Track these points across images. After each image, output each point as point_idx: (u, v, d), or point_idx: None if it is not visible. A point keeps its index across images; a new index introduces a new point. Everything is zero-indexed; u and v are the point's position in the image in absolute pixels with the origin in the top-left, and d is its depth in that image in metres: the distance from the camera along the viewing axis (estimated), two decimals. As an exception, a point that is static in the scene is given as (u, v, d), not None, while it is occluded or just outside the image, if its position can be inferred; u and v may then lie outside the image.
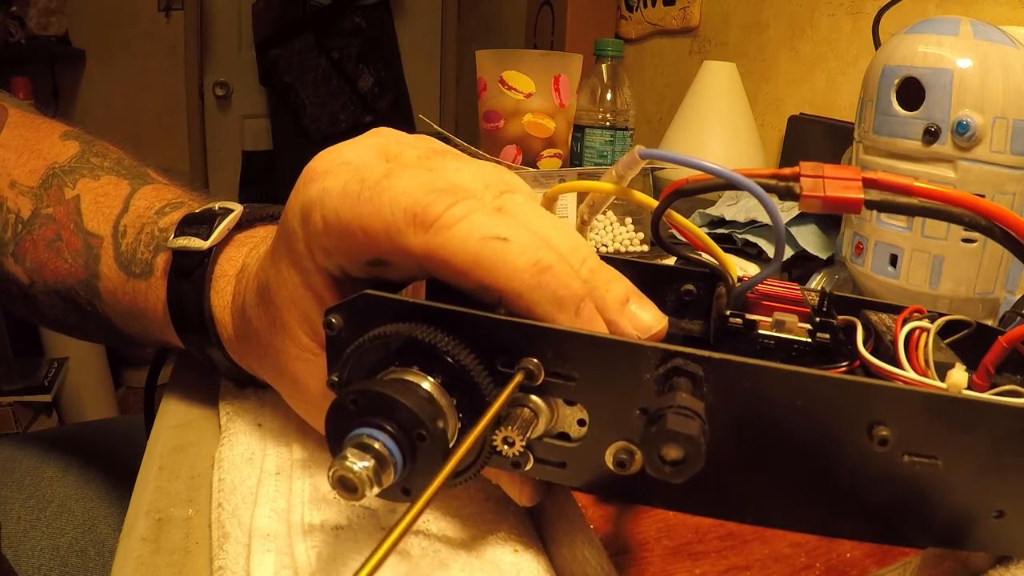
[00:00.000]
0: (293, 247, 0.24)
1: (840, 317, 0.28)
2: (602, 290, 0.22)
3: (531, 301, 0.20)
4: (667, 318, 0.23)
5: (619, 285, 0.22)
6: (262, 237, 0.32)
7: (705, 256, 0.30)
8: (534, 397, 0.20)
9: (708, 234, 0.36)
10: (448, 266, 0.21)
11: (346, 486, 0.17)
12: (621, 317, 0.22)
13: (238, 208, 0.32)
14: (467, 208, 0.21)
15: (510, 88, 0.76)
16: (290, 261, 0.24)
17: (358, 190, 0.22)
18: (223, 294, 0.30)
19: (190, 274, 0.31)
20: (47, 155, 0.36)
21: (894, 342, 0.26)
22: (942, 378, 0.23)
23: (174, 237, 0.31)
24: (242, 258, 0.31)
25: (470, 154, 0.27)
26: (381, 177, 0.22)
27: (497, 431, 0.20)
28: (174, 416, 0.33)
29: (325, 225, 0.22)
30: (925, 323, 0.27)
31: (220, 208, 0.32)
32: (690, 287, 0.31)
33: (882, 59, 0.43)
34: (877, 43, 0.54)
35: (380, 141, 0.25)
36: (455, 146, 0.26)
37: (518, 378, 0.19)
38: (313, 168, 0.24)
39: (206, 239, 0.31)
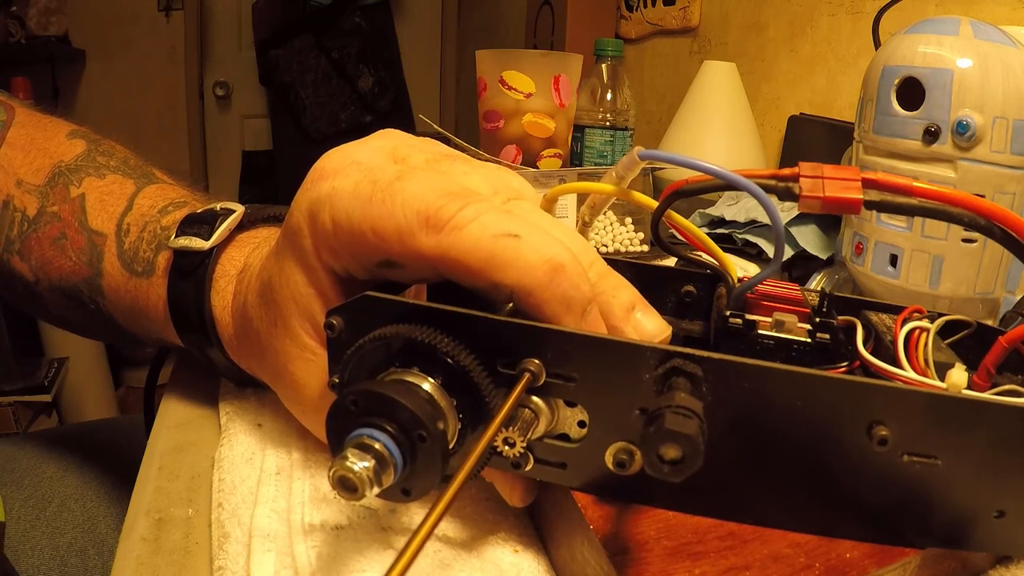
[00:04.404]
0: (299, 244, 0.24)
1: (840, 317, 0.28)
2: (609, 295, 0.22)
3: (541, 299, 0.20)
4: (671, 328, 0.23)
5: (626, 292, 0.22)
6: (264, 237, 0.32)
7: (705, 256, 0.30)
8: (535, 398, 0.20)
9: (708, 234, 0.36)
10: (461, 265, 0.21)
11: (346, 486, 0.17)
12: (626, 324, 0.22)
13: (240, 209, 0.32)
14: (478, 209, 0.21)
15: (510, 88, 0.76)
16: (295, 259, 0.24)
17: (370, 191, 0.22)
18: (224, 294, 0.30)
19: (191, 274, 0.31)
20: (53, 154, 0.36)
21: (894, 342, 0.26)
22: (942, 378, 0.23)
23: (175, 237, 0.31)
24: (244, 258, 0.31)
25: (470, 154, 0.27)
26: (393, 179, 0.22)
27: (498, 432, 0.20)
28: (174, 416, 0.33)
29: (335, 225, 0.22)
30: (925, 323, 0.27)
31: (222, 208, 0.32)
32: (690, 288, 0.31)
33: (882, 59, 0.43)
34: (877, 43, 0.54)
35: (389, 143, 0.25)
36: (455, 146, 0.26)
37: (525, 379, 0.19)
38: (322, 167, 0.24)
39: (207, 239, 0.31)
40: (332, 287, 0.24)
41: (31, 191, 0.35)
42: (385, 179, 0.22)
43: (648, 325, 0.22)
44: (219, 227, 0.31)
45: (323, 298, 0.24)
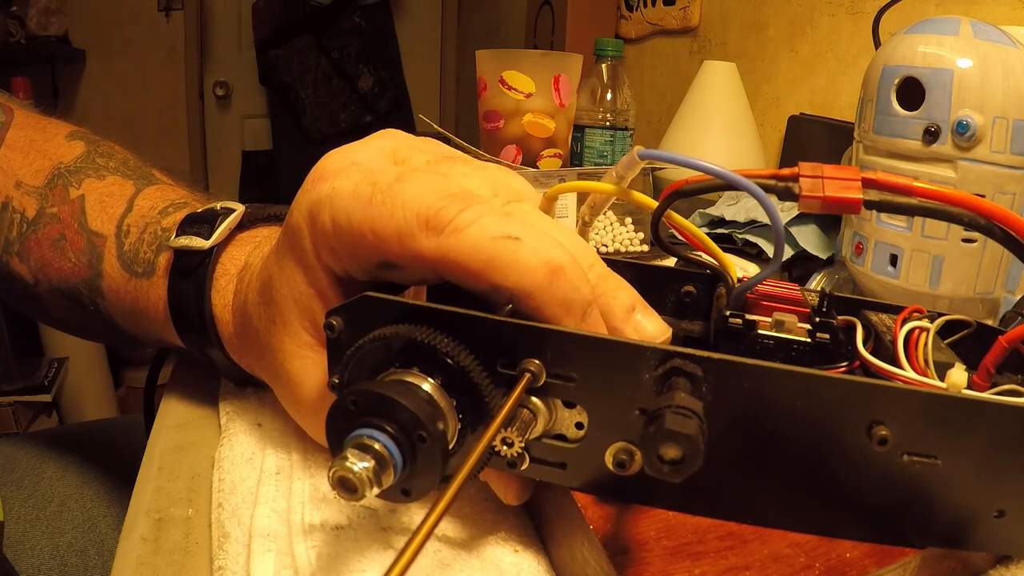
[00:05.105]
0: (298, 244, 0.24)
1: (840, 317, 0.28)
2: (609, 297, 0.22)
3: (541, 302, 0.20)
4: (671, 329, 0.23)
5: (626, 294, 0.22)
6: (265, 236, 0.32)
7: (705, 256, 0.30)
8: (533, 398, 0.20)
9: (708, 234, 0.36)
10: (461, 268, 0.21)
11: (346, 486, 0.17)
12: (626, 325, 0.22)
13: (240, 208, 0.33)
14: (478, 212, 0.21)
15: (510, 88, 0.76)
16: (294, 258, 0.24)
17: (370, 193, 0.22)
18: (224, 293, 0.31)
19: (191, 273, 0.31)
20: (53, 155, 0.36)
21: (894, 342, 0.26)
22: (942, 378, 0.23)
23: (176, 236, 0.31)
24: (244, 256, 0.31)
25: (470, 154, 0.27)
26: (393, 181, 0.22)
27: (497, 432, 0.20)
28: (174, 416, 0.33)
29: (334, 226, 0.22)
30: (925, 323, 0.27)
31: (222, 208, 0.32)
32: (690, 288, 0.31)
33: (882, 59, 0.43)
34: (877, 43, 0.54)
35: (390, 144, 0.25)
36: (455, 146, 0.26)
37: (525, 380, 0.19)
38: (323, 167, 0.24)
39: (207, 238, 0.31)
40: (331, 287, 0.24)
41: (30, 192, 0.35)
42: (385, 180, 0.22)
43: (648, 326, 0.22)
44: (219, 226, 0.31)
45: (322, 298, 0.24)
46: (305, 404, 0.26)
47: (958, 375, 0.22)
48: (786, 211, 0.59)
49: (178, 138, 2.51)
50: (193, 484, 0.28)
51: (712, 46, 1.36)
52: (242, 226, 0.33)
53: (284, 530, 0.24)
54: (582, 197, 0.61)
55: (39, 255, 0.35)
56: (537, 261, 0.20)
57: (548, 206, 0.28)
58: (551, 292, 0.20)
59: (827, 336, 0.25)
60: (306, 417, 0.27)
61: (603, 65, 0.89)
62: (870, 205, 0.23)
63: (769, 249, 0.61)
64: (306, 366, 0.25)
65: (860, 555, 0.21)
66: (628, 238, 0.66)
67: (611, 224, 0.67)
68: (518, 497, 0.24)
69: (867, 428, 0.19)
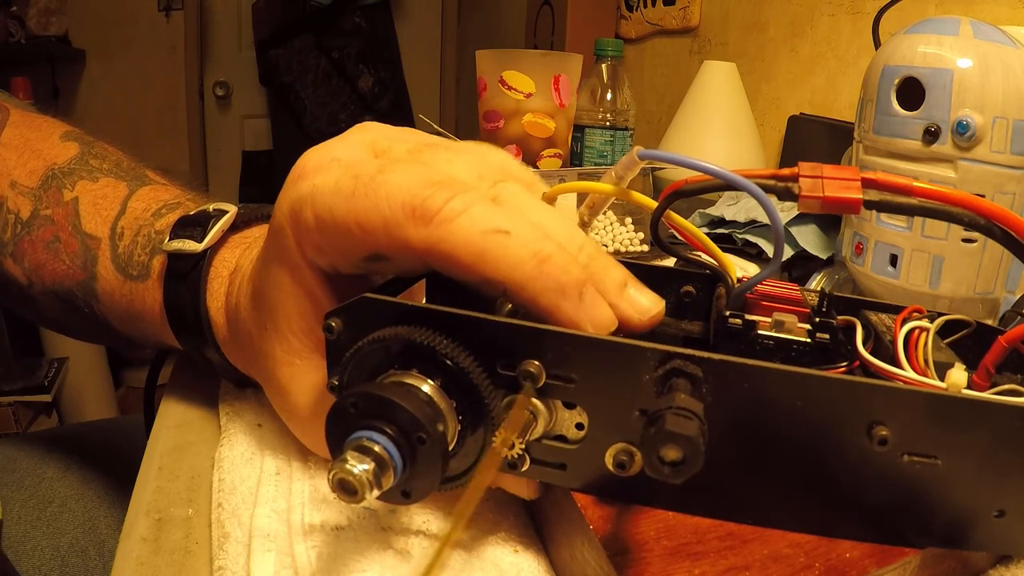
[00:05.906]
0: (282, 245, 0.24)
1: (840, 317, 0.28)
2: (601, 275, 0.22)
3: (534, 291, 0.20)
4: (664, 301, 0.23)
5: (616, 270, 0.22)
6: (256, 237, 0.32)
7: (704, 257, 0.30)
8: (534, 399, 0.20)
9: (708, 234, 0.36)
10: (451, 260, 0.21)
11: (346, 489, 0.17)
12: (621, 300, 0.22)
13: (232, 209, 0.32)
14: (466, 201, 0.21)
15: (510, 88, 0.76)
16: (279, 260, 0.24)
17: (352, 186, 0.21)
18: (217, 296, 0.30)
19: (185, 276, 0.31)
20: (47, 156, 0.36)
21: (893, 342, 0.26)
22: (942, 378, 0.23)
23: (169, 240, 0.31)
24: (235, 259, 0.31)
25: None
26: (376, 172, 0.22)
27: (497, 433, 0.20)
28: (174, 416, 0.33)
29: (317, 222, 0.22)
30: (925, 323, 0.27)
31: (215, 210, 0.32)
32: (689, 288, 0.31)
33: (882, 59, 0.43)
34: (877, 43, 0.54)
35: (368, 136, 0.25)
36: None
37: (527, 387, 0.19)
38: (302, 166, 0.23)
39: (200, 241, 0.30)
40: (319, 286, 0.24)
41: (24, 193, 0.35)
42: (367, 173, 0.22)
43: (642, 300, 0.22)
44: (212, 229, 0.31)
45: (310, 298, 0.24)
46: (295, 411, 0.26)
47: (958, 375, 0.22)
48: (786, 211, 0.59)
49: (178, 138, 2.51)
50: (193, 484, 0.28)
51: (712, 46, 1.36)
52: (235, 227, 0.32)
53: (284, 530, 0.24)
54: (582, 197, 0.61)
55: (33, 257, 0.35)
56: (526, 254, 0.20)
57: (548, 206, 0.28)
58: (542, 281, 0.20)
59: (827, 336, 0.25)
60: (297, 423, 0.27)
61: (603, 65, 0.89)
62: (870, 205, 0.23)
63: (769, 249, 0.61)
64: (295, 373, 0.25)
65: (860, 555, 0.21)
66: (628, 238, 0.66)
67: (611, 224, 0.67)
68: (537, 490, 0.24)
69: (867, 428, 0.19)
